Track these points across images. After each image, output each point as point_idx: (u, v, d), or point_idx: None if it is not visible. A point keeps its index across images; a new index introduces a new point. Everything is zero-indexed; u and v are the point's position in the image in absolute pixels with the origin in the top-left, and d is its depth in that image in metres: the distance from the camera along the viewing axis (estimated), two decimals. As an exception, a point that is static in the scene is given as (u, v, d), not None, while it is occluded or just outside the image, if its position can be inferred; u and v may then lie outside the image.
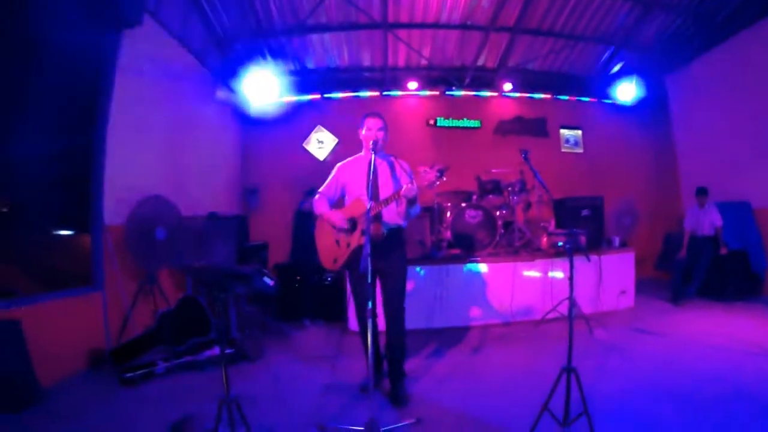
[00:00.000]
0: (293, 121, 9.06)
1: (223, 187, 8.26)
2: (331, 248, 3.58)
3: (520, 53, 8.90)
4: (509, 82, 9.20)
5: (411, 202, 3.33)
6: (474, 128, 9.61)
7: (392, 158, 3.66)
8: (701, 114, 8.20)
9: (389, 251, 3.46)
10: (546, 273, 5.92)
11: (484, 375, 4.14)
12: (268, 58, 7.93)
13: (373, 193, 3.25)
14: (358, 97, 9.44)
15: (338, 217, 3.47)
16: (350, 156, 3.78)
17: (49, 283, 4.37)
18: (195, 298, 4.83)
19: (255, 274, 2.78)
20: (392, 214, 3.49)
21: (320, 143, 9.27)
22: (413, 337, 4.40)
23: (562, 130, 9.83)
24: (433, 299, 5.61)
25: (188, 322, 4.67)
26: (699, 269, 6.56)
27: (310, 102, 9.29)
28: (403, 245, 3.66)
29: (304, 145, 9.23)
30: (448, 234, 6.12)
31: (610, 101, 9.59)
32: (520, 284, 5.85)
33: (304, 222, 6.24)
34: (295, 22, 7.61)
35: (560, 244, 5.97)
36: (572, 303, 3.04)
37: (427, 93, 9.55)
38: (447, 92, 9.55)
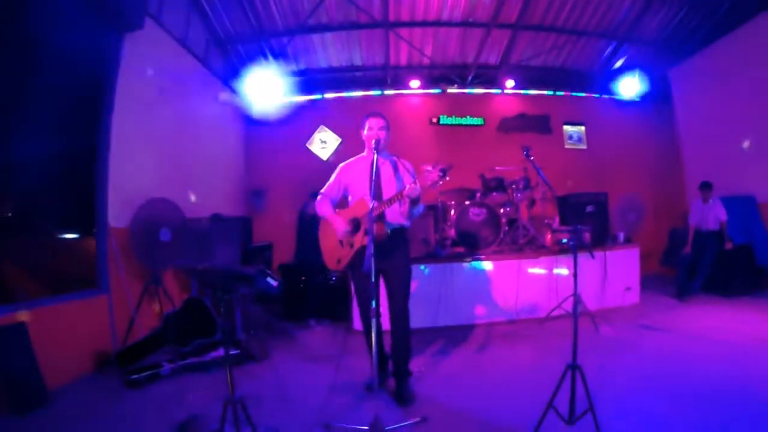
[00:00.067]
0: (296, 122, 9.09)
1: (227, 188, 8.29)
2: (335, 249, 3.58)
3: (522, 50, 8.88)
4: (512, 78, 9.20)
5: (414, 202, 3.32)
6: (477, 126, 9.61)
7: (395, 158, 3.65)
8: (705, 107, 8.17)
9: (393, 251, 3.46)
10: (551, 270, 5.90)
11: (489, 373, 4.14)
12: (270, 59, 7.96)
13: (376, 192, 3.25)
14: (360, 96, 9.45)
15: (340, 224, 3.48)
16: (353, 156, 3.78)
17: (56, 287, 4.39)
18: (200, 299, 4.84)
19: (258, 275, 2.77)
20: (395, 214, 3.48)
21: (323, 143, 9.28)
22: (418, 336, 4.40)
23: (565, 127, 9.81)
24: (438, 298, 5.59)
25: (193, 324, 4.68)
26: (704, 264, 6.52)
27: (313, 102, 9.32)
28: (407, 245, 3.66)
29: (307, 145, 9.25)
30: (452, 232, 6.11)
31: (613, 96, 9.57)
32: (525, 282, 5.83)
33: (308, 223, 6.25)
34: (296, 22, 7.63)
35: (564, 240, 5.96)
36: (576, 300, 3.03)
37: (430, 91, 9.55)
38: (449, 90, 9.54)
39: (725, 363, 3.96)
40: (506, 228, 6.18)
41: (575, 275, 3.04)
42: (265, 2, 7.25)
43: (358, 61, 9.05)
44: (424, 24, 8.08)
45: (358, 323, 4.46)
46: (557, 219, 6.67)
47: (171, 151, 6.08)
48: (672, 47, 8.49)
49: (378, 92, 9.52)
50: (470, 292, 5.75)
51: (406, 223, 3.59)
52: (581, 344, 2.81)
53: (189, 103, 6.63)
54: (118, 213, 4.85)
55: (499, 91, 9.60)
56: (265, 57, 8.00)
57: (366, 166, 3.46)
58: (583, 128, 9.86)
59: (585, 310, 5.34)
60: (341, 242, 3.53)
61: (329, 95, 9.39)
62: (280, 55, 8.12)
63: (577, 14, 8.00)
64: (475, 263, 5.79)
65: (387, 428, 2.82)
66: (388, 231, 3.44)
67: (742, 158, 7.23)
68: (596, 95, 9.84)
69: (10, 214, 4.38)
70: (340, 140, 9.22)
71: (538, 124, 9.66)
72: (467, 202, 6.20)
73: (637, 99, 9.26)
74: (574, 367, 2.75)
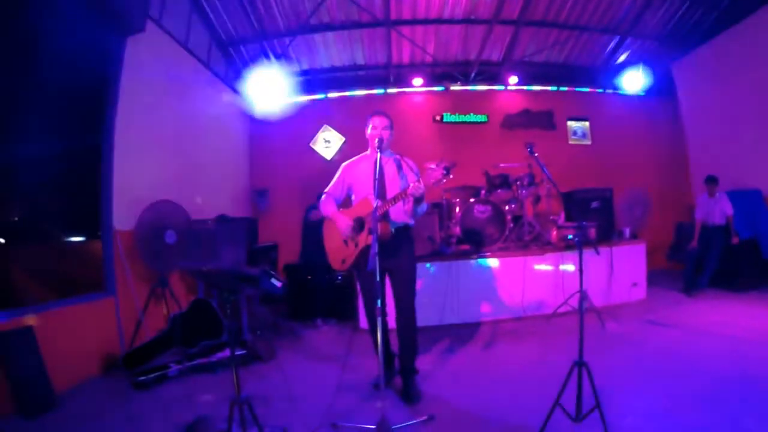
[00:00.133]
0: (299, 122, 9.08)
1: (232, 189, 8.31)
2: (340, 249, 3.58)
3: (524, 46, 8.85)
4: (515, 75, 9.16)
5: (418, 200, 3.31)
6: (481, 123, 9.58)
7: (398, 156, 3.65)
8: (709, 101, 8.12)
9: (398, 249, 3.46)
10: (557, 266, 5.88)
11: (496, 371, 4.13)
12: (273, 59, 7.95)
13: (380, 191, 3.24)
14: (363, 95, 9.45)
15: (344, 222, 3.47)
16: (357, 155, 3.78)
17: (63, 290, 4.41)
18: (206, 300, 4.86)
19: (262, 276, 2.77)
20: (399, 213, 3.48)
21: (327, 142, 9.29)
22: (424, 334, 4.39)
23: (569, 122, 9.77)
24: (444, 296, 5.59)
25: (200, 325, 4.69)
26: (711, 259, 6.49)
27: (316, 102, 9.32)
28: (412, 243, 3.65)
29: (311, 144, 9.26)
30: (457, 230, 6.11)
31: (617, 91, 9.52)
32: (531, 279, 5.81)
33: (313, 224, 6.25)
34: (297, 22, 7.63)
35: (570, 237, 5.93)
36: (582, 296, 3.01)
37: (433, 89, 9.53)
38: (452, 88, 9.53)
39: (733, 358, 3.93)
40: (511, 225, 6.17)
41: (581, 271, 3.02)
42: (266, 3, 7.26)
43: (360, 60, 9.04)
44: (426, 22, 8.06)
45: (364, 322, 4.45)
46: (563, 215, 6.64)
47: (175, 153, 6.10)
48: (675, 41, 8.44)
49: (381, 91, 9.52)
50: (476, 289, 5.73)
51: (410, 221, 3.59)
52: (588, 341, 2.80)
53: (192, 104, 6.64)
54: (123, 215, 4.87)
55: (502, 87, 9.57)
56: (268, 58, 8.00)
57: (370, 165, 3.45)
58: (587, 124, 9.81)
59: (591, 307, 5.33)
60: (345, 242, 3.52)
61: (332, 95, 9.40)
62: (282, 55, 8.11)
63: (579, 9, 7.96)
64: (480, 261, 5.77)
65: (394, 427, 2.82)
66: (393, 230, 3.43)
67: (748, 152, 7.18)
68: (600, 90, 9.80)
69: (16, 219, 4.41)
70: (343, 139, 9.23)
71: (541, 120, 9.63)
72: (472, 200, 6.20)
73: (642, 93, 9.22)
74: (580, 364, 2.73)
